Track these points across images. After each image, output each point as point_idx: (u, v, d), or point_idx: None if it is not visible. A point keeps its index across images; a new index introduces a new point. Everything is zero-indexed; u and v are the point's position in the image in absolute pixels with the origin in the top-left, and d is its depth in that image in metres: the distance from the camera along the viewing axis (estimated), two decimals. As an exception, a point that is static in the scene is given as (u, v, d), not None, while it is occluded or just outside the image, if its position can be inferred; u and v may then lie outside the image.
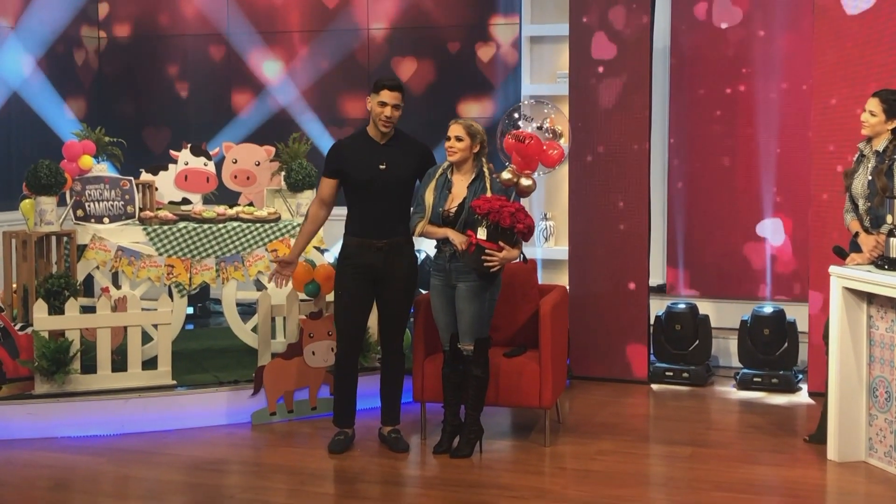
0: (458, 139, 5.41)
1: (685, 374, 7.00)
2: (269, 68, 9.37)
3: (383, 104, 5.42)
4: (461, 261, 5.35)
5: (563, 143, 7.52)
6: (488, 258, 5.27)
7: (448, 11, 8.90)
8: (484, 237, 5.27)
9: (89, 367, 6.00)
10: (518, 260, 5.43)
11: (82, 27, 9.58)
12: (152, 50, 9.66)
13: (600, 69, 7.05)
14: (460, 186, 5.44)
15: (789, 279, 7.63)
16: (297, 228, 6.66)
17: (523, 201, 5.67)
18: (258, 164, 7.06)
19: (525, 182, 5.53)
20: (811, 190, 6.59)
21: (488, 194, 5.34)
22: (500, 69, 8.70)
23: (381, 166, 5.47)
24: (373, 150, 5.50)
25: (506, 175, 5.48)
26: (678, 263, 7.91)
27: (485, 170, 5.43)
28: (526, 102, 6.57)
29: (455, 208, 5.40)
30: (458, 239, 5.33)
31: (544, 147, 5.80)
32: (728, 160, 7.72)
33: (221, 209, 6.70)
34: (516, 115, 6.16)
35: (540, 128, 6.10)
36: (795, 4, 7.39)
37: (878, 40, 6.31)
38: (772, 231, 7.66)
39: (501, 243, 5.26)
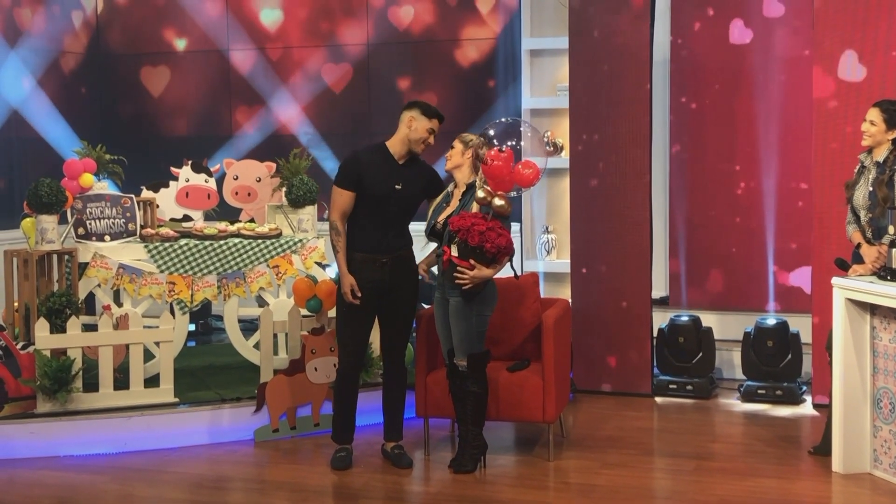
0: (452, 147, 5.51)
1: (689, 387, 6.99)
2: (269, 83, 9.37)
3: (432, 131, 5.51)
4: (443, 276, 5.40)
5: (564, 155, 7.48)
6: (458, 275, 5.28)
7: (449, 26, 8.91)
8: (456, 254, 5.29)
9: (91, 385, 6.00)
10: (511, 275, 5.43)
11: (82, 44, 9.59)
12: (152, 66, 9.68)
13: (601, 81, 7.05)
14: (457, 199, 5.50)
15: (792, 290, 7.61)
16: (299, 244, 6.66)
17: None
18: (259, 181, 7.06)
19: (497, 202, 5.31)
20: (814, 200, 6.58)
21: (474, 209, 5.34)
22: (501, 83, 8.70)
23: (398, 186, 5.48)
24: (391, 167, 5.51)
25: (480, 194, 5.34)
26: (681, 275, 7.89)
27: (477, 182, 5.43)
28: (501, 121, 6.33)
29: (444, 221, 5.44)
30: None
31: (519, 166, 5.46)
32: (730, 170, 7.71)
33: (223, 226, 6.70)
34: (491, 133, 5.95)
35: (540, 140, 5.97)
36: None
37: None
38: (775, 242, 7.65)
39: (472, 261, 5.26)
